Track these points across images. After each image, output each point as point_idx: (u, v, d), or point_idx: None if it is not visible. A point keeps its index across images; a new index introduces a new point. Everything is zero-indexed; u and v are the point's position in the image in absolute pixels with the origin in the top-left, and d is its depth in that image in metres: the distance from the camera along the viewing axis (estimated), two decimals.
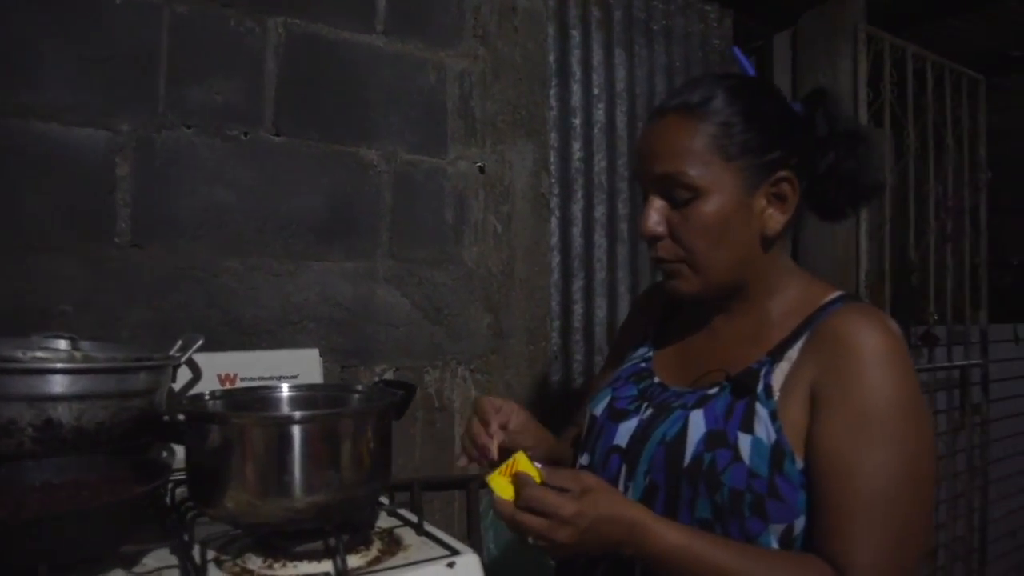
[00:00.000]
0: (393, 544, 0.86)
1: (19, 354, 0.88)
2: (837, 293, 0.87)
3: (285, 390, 0.95)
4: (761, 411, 0.80)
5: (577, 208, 1.94)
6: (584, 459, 0.95)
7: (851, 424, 0.76)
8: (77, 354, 0.98)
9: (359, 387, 0.98)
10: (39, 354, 0.92)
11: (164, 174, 1.30)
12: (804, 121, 0.88)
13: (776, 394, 0.81)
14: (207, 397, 0.90)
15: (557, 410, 1.86)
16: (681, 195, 0.83)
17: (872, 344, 0.78)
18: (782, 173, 0.84)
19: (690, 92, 0.85)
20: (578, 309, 1.94)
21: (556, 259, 1.89)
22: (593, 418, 0.96)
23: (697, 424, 0.83)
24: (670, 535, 0.75)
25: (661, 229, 0.86)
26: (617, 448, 0.90)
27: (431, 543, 0.85)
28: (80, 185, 1.23)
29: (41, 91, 1.19)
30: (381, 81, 1.54)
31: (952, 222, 2.73)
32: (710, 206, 0.83)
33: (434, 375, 1.59)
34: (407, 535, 0.88)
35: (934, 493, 0.81)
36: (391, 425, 0.88)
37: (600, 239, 1.98)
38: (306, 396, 0.95)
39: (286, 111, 1.42)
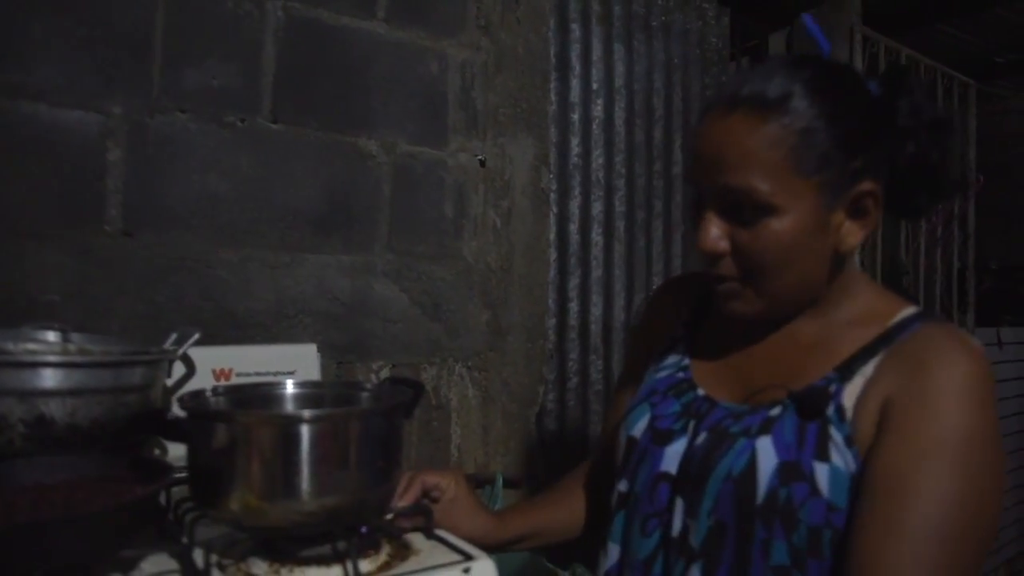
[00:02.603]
0: (403, 548, 0.82)
1: (9, 346, 0.83)
2: (913, 309, 0.78)
3: (290, 387, 0.91)
4: (836, 436, 0.71)
5: (574, 204, 1.92)
6: (623, 486, 0.86)
7: (920, 447, 0.68)
8: (70, 346, 0.94)
9: (367, 385, 0.95)
10: (30, 346, 0.87)
11: (157, 160, 1.25)
12: (884, 108, 0.76)
13: (850, 415, 0.72)
14: (209, 393, 0.85)
15: (551, 411, 1.84)
16: (750, 212, 0.73)
17: (957, 371, 0.70)
18: (865, 186, 0.74)
19: (764, 82, 0.72)
20: (574, 307, 1.92)
21: (553, 256, 1.87)
22: (632, 440, 0.85)
23: (767, 454, 0.73)
24: None
25: (724, 245, 0.75)
26: (666, 476, 0.80)
27: (442, 547, 0.82)
28: (70, 170, 1.18)
29: (30, 71, 1.14)
30: (382, 69, 1.50)
31: (942, 226, 2.75)
32: (783, 225, 0.72)
33: (431, 372, 1.56)
34: (416, 539, 0.85)
35: (996, 536, 0.74)
36: (402, 425, 0.85)
37: (597, 236, 1.96)
38: (312, 394, 0.91)
39: (284, 98, 1.38)
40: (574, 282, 1.92)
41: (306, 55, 1.40)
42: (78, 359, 0.83)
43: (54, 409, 0.79)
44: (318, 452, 0.74)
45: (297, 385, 0.92)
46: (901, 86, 0.77)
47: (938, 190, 0.80)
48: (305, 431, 0.73)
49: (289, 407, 0.90)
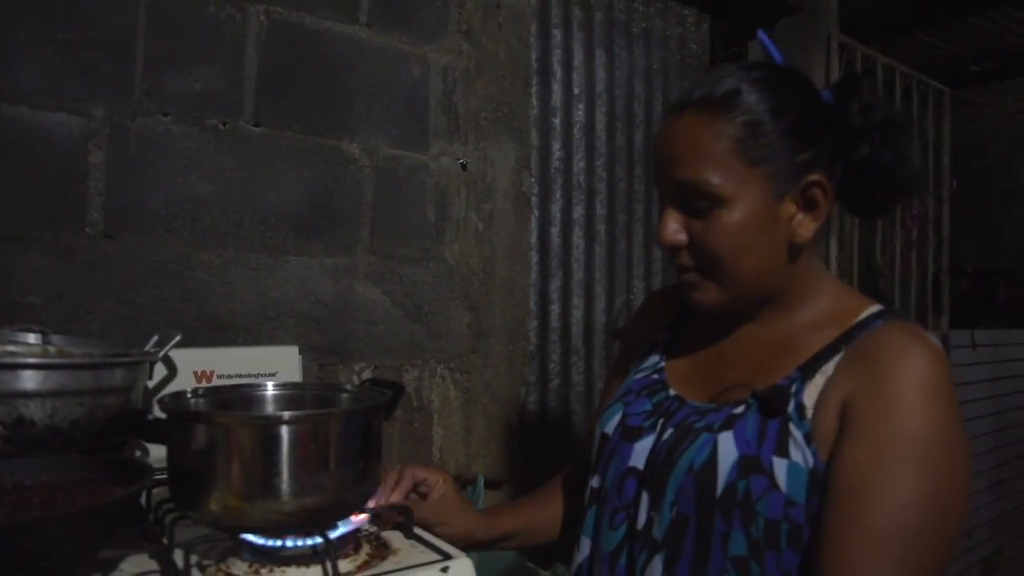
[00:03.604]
0: (382, 548, 0.83)
1: None
2: (877, 307, 0.80)
3: (270, 388, 0.92)
4: (796, 433, 0.73)
5: (556, 208, 1.94)
6: (595, 482, 0.88)
7: (880, 447, 0.69)
8: (50, 348, 0.94)
9: (347, 386, 0.96)
10: (9, 348, 0.88)
11: (139, 163, 1.25)
12: (836, 111, 0.80)
13: (809, 413, 0.74)
14: (189, 395, 0.86)
15: (533, 413, 1.86)
16: (702, 203, 0.76)
17: (916, 368, 0.71)
18: (813, 177, 0.76)
19: (713, 84, 0.76)
20: (555, 309, 1.94)
21: (534, 259, 1.88)
22: (604, 436, 0.88)
23: (727, 448, 0.75)
24: None
25: (681, 238, 0.79)
26: (633, 470, 0.83)
27: (421, 547, 0.83)
28: (51, 172, 1.18)
29: (12, 73, 1.14)
30: (364, 74, 1.51)
31: (917, 230, 2.79)
32: (733, 215, 0.75)
33: (413, 374, 1.57)
34: (395, 539, 0.86)
35: (960, 535, 0.72)
36: (381, 425, 0.86)
37: (578, 240, 1.98)
38: (292, 395, 0.92)
39: (267, 101, 1.38)
40: (555, 285, 1.94)
41: (288, 59, 1.41)
42: (58, 361, 0.83)
43: (34, 411, 0.80)
44: (297, 453, 0.74)
45: (277, 386, 0.93)
46: (852, 89, 0.80)
47: (895, 189, 0.82)
48: (284, 432, 0.74)
49: (269, 408, 0.90)
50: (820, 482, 0.72)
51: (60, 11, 1.18)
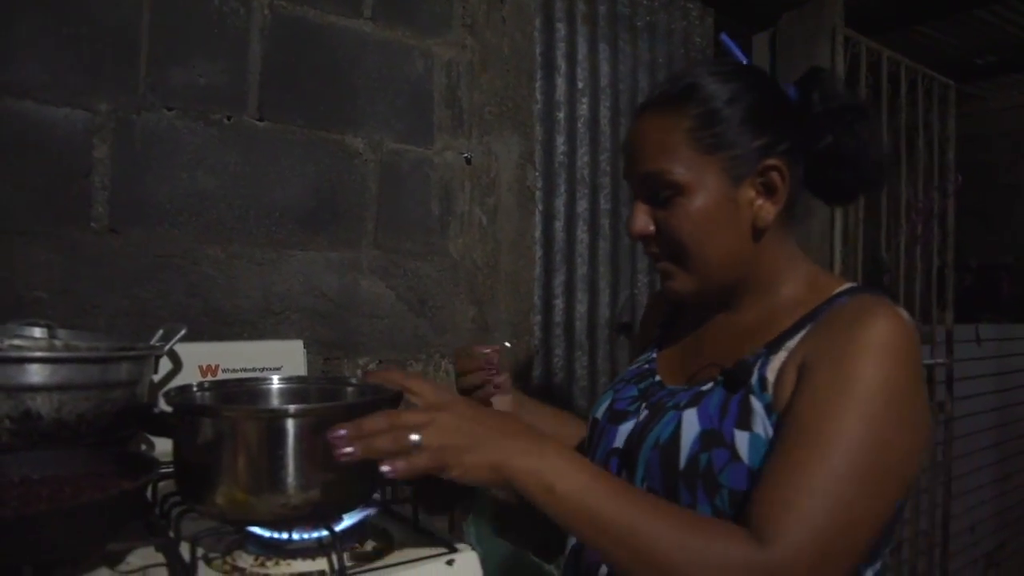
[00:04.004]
0: (387, 541, 0.84)
1: None
2: (849, 284, 0.82)
3: (276, 382, 0.92)
4: (756, 405, 0.75)
5: (560, 202, 1.94)
6: None
7: (825, 392, 0.70)
8: (57, 342, 0.94)
9: (352, 380, 0.96)
10: (16, 342, 0.88)
11: (143, 157, 1.25)
12: (799, 103, 0.84)
13: (771, 385, 0.76)
14: (195, 388, 0.86)
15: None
16: (664, 193, 0.81)
17: (872, 329, 0.71)
18: (769, 162, 0.80)
19: (672, 82, 0.83)
20: (559, 304, 1.94)
21: (539, 253, 1.88)
22: (595, 421, 0.94)
23: (691, 423, 0.78)
24: (575, 455, 0.68)
25: (650, 228, 0.83)
26: (616, 451, 0.87)
27: (427, 539, 0.84)
28: (56, 167, 1.18)
29: (16, 68, 1.14)
30: (368, 68, 1.50)
31: (922, 224, 2.78)
32: (694, 203, 0.80)
33: (418, 368, 1.57)
34: (401, 532, 0.86)
35: (901, 496, 0.72)
36: None
37: (582, 234, 1.98)
38: (298, 389, 0.92)
39: (271, 96, 1.38)
40: (559, 279, 1.94)
41: (292, 53, 1.41)
42: (65, 355, 0.84)
43: (41, 404, 0.80)
44: (303, 446, 0.74)
45: (283, 380, 0.93)
46: (813, 81, 0.83)
47: (860, 174, 0.84)
48: (290, 425, 0.74)
49: (275, 402, 0.90)
50: None
51: (64, 5, 1.17)
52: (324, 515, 0.76)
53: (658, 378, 0.91)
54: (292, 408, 0.78)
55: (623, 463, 0.86)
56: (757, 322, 0.84)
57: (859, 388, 0.69)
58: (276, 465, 0.74)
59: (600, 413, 0.93)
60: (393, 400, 0.89)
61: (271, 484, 0.74)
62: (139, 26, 1.24)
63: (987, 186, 4.07)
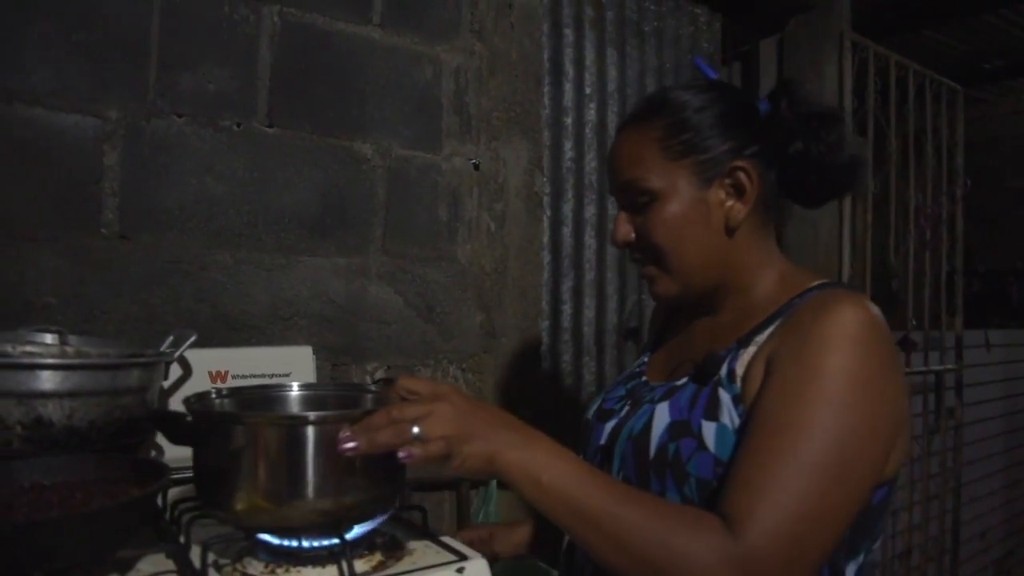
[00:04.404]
0: (397, 549, 0.83)
1: (7, 348, 0.84)
2: (821, 280, 0.85)
3: (294, 389, 0.92)
4: (725, 397, 0.78)
5: (568, 208, 1.93)
6: None
7: (792, 384, 0.72)
8: (68, 349, 0.94)
9: (370, 387, 0.96)
10: (28, 348, 0.88)
11: (153, 164, 1.26)
12: (769, 112, 0.87)
13: (740, 380, 0.79)
14: (214, 395, 0.86)
15: (545, 412, 1.85)
16: (640, 200, 0.86)
17: (837, 319, 0.73)
18: (736, 163, 0.84)
19: (645, 103, 0.90)
20: (567, 309, 1.93)
21: (547, 258, 1.88)
22: (586, 421, 0.99)
23: (662, 415, 0.82)
24: (563, 448, 0.71)
25: (632, 236, 0.88)
26: (602, 447, 0.92)
27: (436, 547, 0.83)
28: (66, 173, 1.18)
29: (26, 75, 1.14)
30: (376, 74, 1.51)
31: (930, 229, 2.77)
32: (668, 207, 0.84)
33: (425, 374, 1.56)
34: (410, 539, 0.86)
35: (873, 481, 0.73)
36: None
37: (590, 239, 1.98)
38: (317, 396, 0.92)
39: (280, 102, 1.39)
40: (567, 285, 1.93)
41: (301, 60, 1.41)
42: (75, 361, 0.83)
43: (52, 411, 0.80)
44: (325, 453, 0.74)
45: (301, 387, 0.93)
46: (783, 91, 0.86)
47: (830, 179, 0.87)
48: (311, 433, 0.74)
49: (294, 409, 0.90)
50: None
51: (74, 12, 1.18)
52: (345, 523, 0.75)
53: (644, 378, 0.96)
54: (314, 415, 0.77)
55: (604, 458, 0.90)
56: (733, 321, 0.88)
57: (825, 377, 0.71)
58: (298, 472, 0.73)
59: (591, 413, 0.98)
60: None
61: (293, 491, 0.73)
62: (149, 33, 1.25)
63: (995, 191, 4.05)
